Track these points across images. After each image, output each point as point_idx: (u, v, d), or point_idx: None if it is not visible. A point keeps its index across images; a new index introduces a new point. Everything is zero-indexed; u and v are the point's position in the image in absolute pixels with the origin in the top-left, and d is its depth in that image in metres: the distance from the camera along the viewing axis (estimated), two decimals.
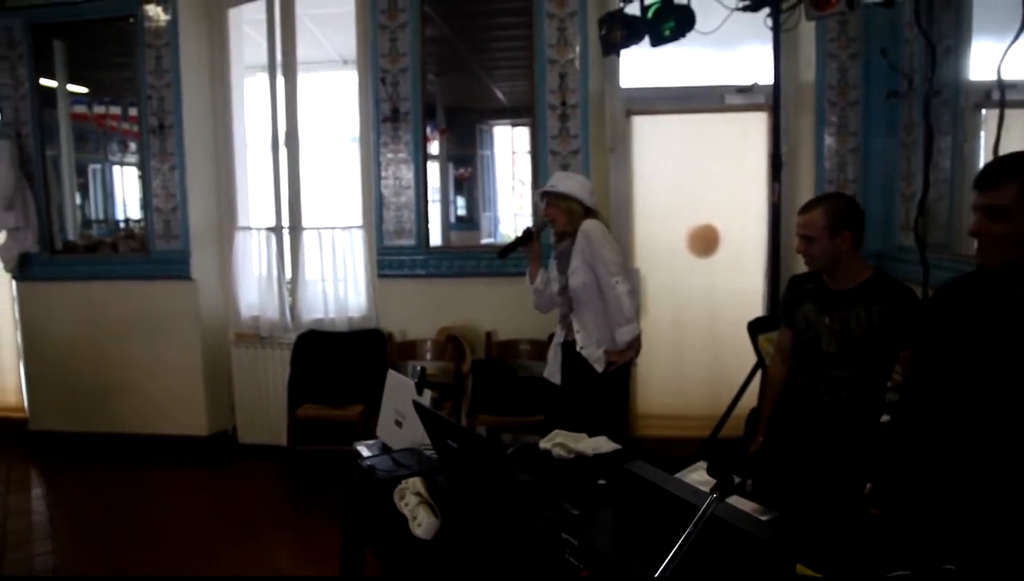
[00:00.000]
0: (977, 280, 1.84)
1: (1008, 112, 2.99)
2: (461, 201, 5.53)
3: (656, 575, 1.19)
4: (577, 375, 3.27)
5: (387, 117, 4.54)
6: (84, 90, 5.28)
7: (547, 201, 3.28)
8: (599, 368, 3.21)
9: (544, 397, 3.49)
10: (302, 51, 4.92)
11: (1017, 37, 2.89)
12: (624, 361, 3.21)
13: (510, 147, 5.55)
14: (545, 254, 3.47)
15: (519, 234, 3.40)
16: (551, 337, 3.53)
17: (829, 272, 2.48)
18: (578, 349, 3.24)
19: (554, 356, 3.41)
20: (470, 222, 5.56)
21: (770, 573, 1.47)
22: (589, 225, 3.19)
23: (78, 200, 5.36)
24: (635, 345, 3.22)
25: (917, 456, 1.93)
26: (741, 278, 4.46)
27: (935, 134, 3.47)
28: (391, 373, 2.85)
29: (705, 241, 4.49)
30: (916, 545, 1.70)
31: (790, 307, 2.64)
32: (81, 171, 5.34)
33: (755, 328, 3.70)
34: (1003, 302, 1.73)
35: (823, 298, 2.50)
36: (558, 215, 3.26)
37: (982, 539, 1.69)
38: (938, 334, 1.90)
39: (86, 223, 5.44)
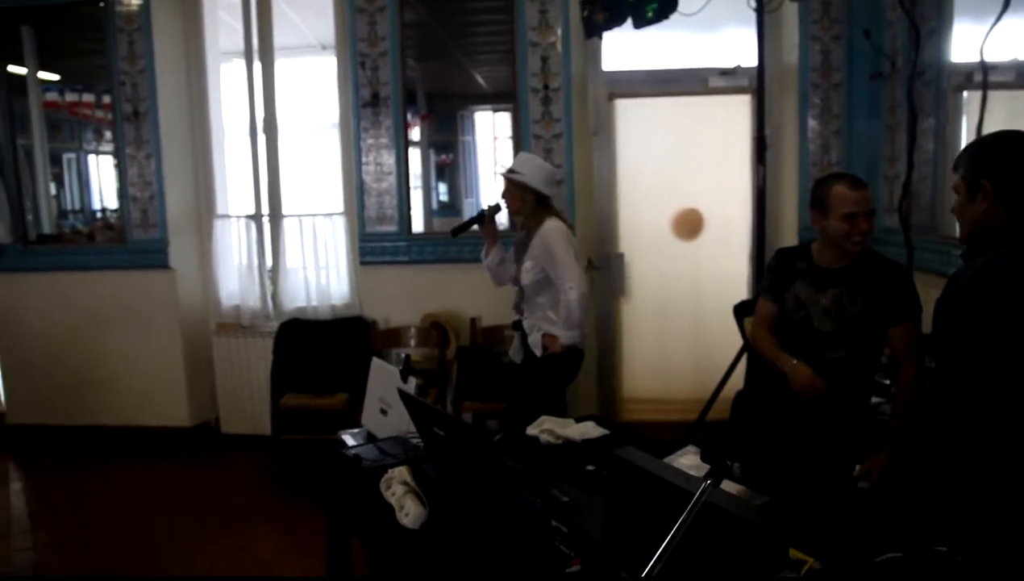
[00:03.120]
0: None
1: (990, 94, 2.99)
2: (443, 188, 5.48)
3: (651, 564, 1.17)
4: (529, 357, 3.41)
5: (367, 102, 4.48)
6: (56, 77, 5.15)
7: (506, 184, 3.30)
8: (538, 353, 3.34)
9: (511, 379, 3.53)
10: (279, 36, 4.83)
11: (999, 19, 2.89)
12: (556, 351, 3.26)
13: (492, 133, 5.50)
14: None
15: (473, 214, 3.46)
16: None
17: (840, 248, 2.41)
18: (527, 334, 3.39)
19: (516, 337, 3.49)
20: (452, 209, 5.51)
21: (764, 558, 1.46)
22: (550, 229, 3.22)
23: (53, 190, 5.24)
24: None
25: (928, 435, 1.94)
26: (725, 262, 4.46)
27: (918, 116, 3.46)
28: (375, 361, 2.81)
29: (689, 225, 4.48)
30: (907, 527, 1.70)
31: (779, 283, 2.56)
32: (55, 160, 5.22)
33: (741, 311, 3.70)
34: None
35: (816, 277, 2.45)
36: (514, 200, 3.30)
37: (975, 521, 1.69)
38: None
39: (62, 214, 5.32)
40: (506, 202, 3.34)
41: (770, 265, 2.67)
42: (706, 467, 2.15)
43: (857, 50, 4.07)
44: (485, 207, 3.44)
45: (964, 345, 1.80)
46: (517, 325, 3.47)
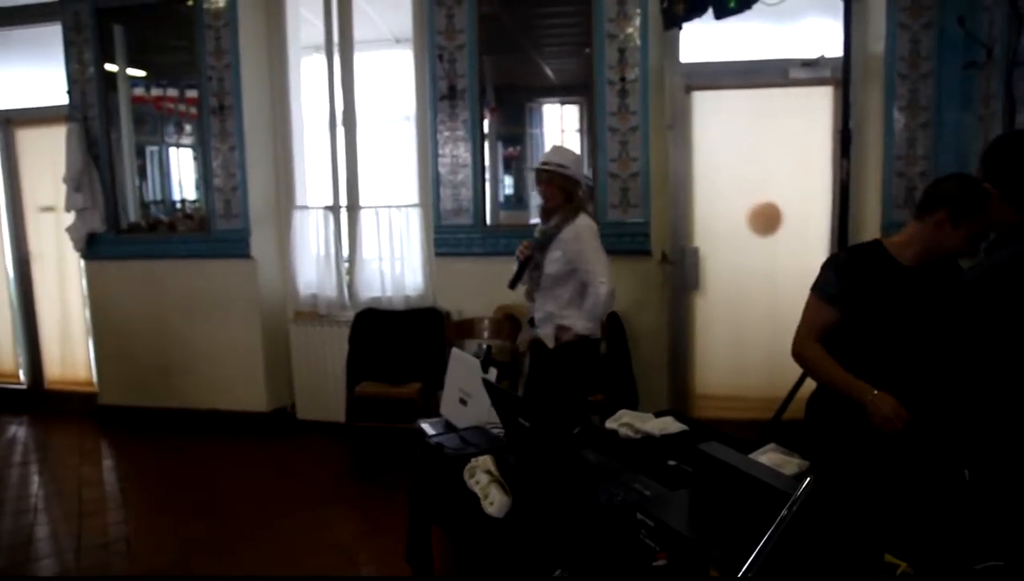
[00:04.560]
0: None
1: None
2: (507, 180, 5.50)
3: (748, 563, 1.17)
4: (538, 348, 3.42)
5: (444, 95, 4.54)
6: (142, 73, 5.37)
7: (546, 177, 3.25)
8: (550, 344, 3.32)
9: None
10: (355, 30, 4.93)
11: None
12: (569, 339, 3.25)
13: (559, 125, 5.49)
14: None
15: (519, 263, 3.38)
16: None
17: (931, 252, 2.21)
18: (533, 329, 3.40)
19: (526, 330, 3.55)
20: (518, 201, 5.53)
21: (859, 560, 1.44)
22: (585, 226, 3.20)
23: (137, 181, 5.48)
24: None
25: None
26: (803, 258, 4.34)
27: (1017, 107, 3.32)
28: (455, 351, 2.85)
29: (766, 219, 4.39)
30: (1010, 533, 1.64)
31: (856, 289, 2.20)
32: (139, 153, 5.45)
33: None
34: None
35: (908, 278, 2.21)
36: (556, 193, 3.26)
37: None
38: None
39: (143, 204, 5.56)
40: (545, 196, 3.30)
41: (839, 266, 2.24)
42: (789, 465, 2.14)
43: (948, 38, 3.92)
44: (526, 251, 3.35)
45: (977, 343, 1.75)
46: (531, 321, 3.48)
